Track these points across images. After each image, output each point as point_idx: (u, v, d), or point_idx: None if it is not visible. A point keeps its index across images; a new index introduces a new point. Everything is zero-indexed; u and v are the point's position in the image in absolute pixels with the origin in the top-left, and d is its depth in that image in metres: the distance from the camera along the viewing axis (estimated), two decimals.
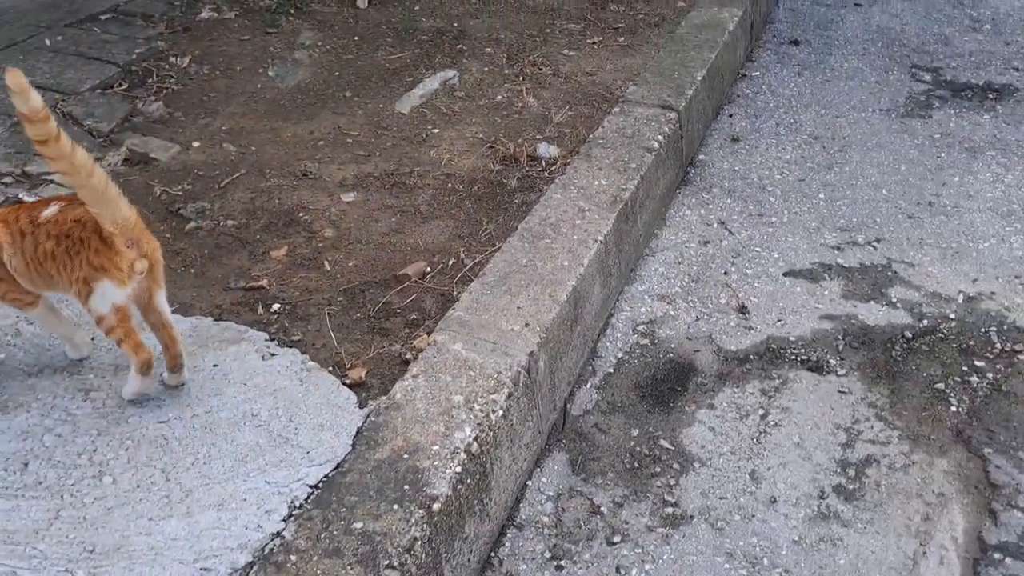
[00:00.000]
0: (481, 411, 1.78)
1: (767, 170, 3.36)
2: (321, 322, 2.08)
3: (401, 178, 2.73)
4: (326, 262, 2.32)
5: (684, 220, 3.04)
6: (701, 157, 3.47)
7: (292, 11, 3.94)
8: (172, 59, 3.39)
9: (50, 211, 1.69)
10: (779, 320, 2.57)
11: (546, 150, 2.89)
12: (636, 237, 2.77)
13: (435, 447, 1.68)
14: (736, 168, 3.38)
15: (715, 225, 3.02)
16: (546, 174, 2.76)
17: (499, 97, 3.30)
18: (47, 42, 3.34)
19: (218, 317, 2.05)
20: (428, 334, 2.03)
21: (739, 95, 4.02)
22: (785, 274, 2.77)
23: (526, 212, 2.54)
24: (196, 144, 2.86)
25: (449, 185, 2.71)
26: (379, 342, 2.03)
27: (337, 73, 3.44)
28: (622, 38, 3.88)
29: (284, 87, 3.31)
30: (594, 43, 3.82)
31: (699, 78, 3.48)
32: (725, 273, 2.77)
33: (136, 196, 2.55)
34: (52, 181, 2.55)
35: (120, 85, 3.14)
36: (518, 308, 2.11)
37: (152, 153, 2.75)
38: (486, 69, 3.53)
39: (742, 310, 2.60)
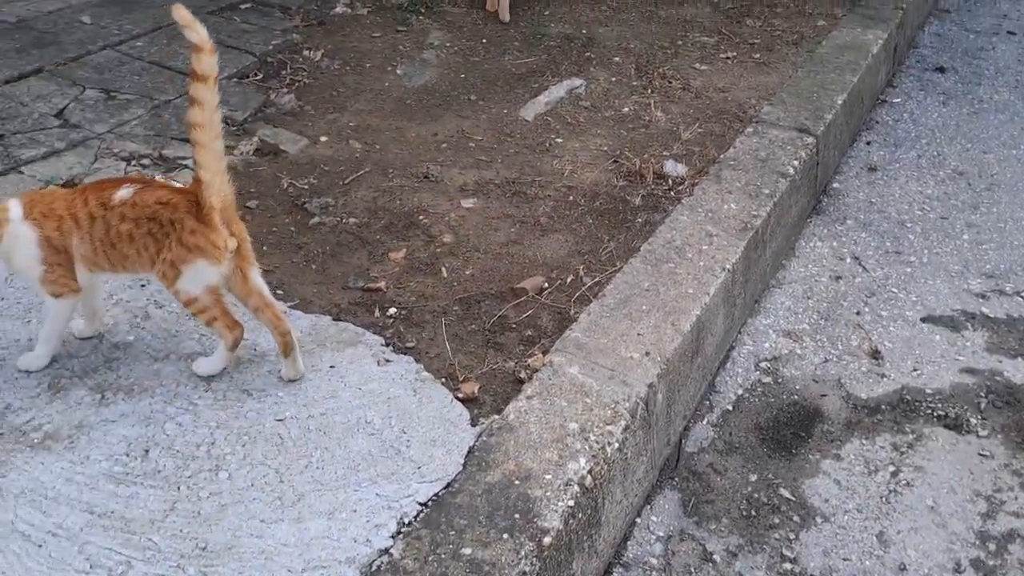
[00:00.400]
0: (596, 442, 1.70)
1: (906, 205, 3.15)
2: (436, 330, 2.04)
3: (522, 187, 2.68)
4: (443, 268, 2.29)
5: (814, 252, 2.87)
6: (835, 185, 3.28)
7: (423, 10, 3.96)
8: (306, 52, 3.45)
9: (123, 193, 1.69)
10: (915, 369, 2.38)
11: (673, 168, 2.79)
12: (763, 267, 2.63)
13: (547, 476, 1.61)
14: (873, 200, 3.18)
15: (848, 260, 2.84)
16: (672, 194, 2.65)
17: (626, 109, 3.21)
18: None
19: (336, 316, 2.04)
20: (544, 353, 1.97)
21: (878, 122, 3.80)
22: (923, 319, 2.57)
23: (650, 233, 2.44)
24: (324, 139, 2.89)
25: (570, 198, 2.64)
26: (493, 357, 1.98)
27: (463, 75, 3.43)
28: (758, 55, 3.72)
29: (411, 86, 3.31)
30: (728, 58, 3.67)
31: (839, 102, 3.30)
32: (857, 313, 2.59)
33: (264, 187, 2.59)
34: (187, 166, 2.61)
35: (255, 75, 3.21)
36: (638, 335, 2.02)
37: (282, 145, 2.79)
38: (613, 79, 3.44)
39: (875, 355, 2.43)
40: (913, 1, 4.55)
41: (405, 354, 1.95)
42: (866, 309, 2.61)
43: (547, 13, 4.05)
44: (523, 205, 2.59)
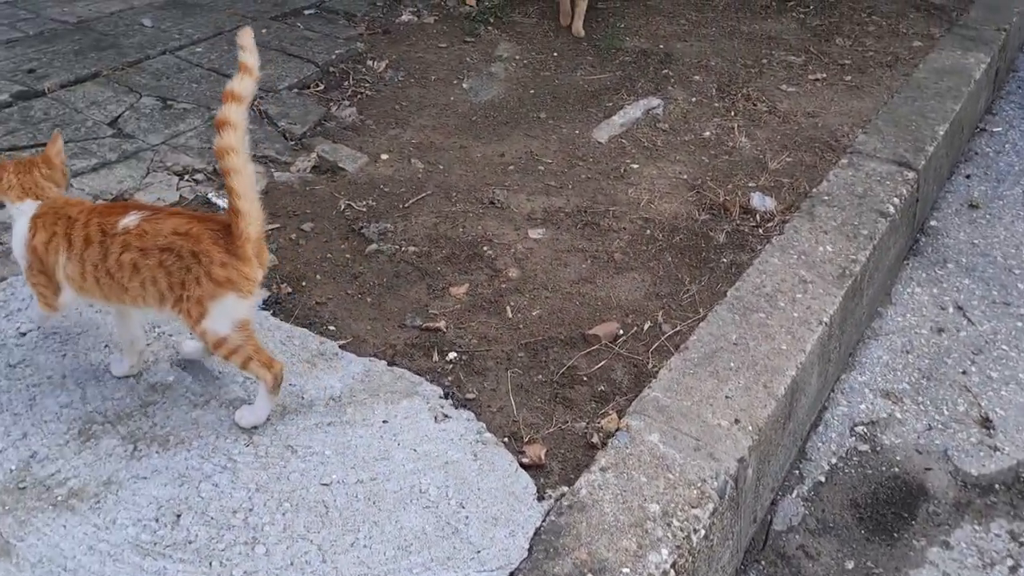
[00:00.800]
0: (681, 529, 1.49)
1: (1013, 248, 2.86)
2: (499, 380, 1.85)
3: (594, 217, 2.48)
4: (508, 308, 2.10)
5: (914, 299, 2.61)
6: (933, 223, 3.00)
7: (491, 20, 3.78)
8: (369, 62, 3.30)
9: (128, 220, 1.54)
10: None
11: (761, 202, 2.55)
12: (860, 316, 2.38)
13: (625, 569, 1.40)
14: (975, 241, 2.90)
15: (951, 309, 2.57)
16: (760, 231, 2.42)
17: (707, 133, 2.98)
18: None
19: (391, 361, 1.86)
20: (619, 414, 1.76)
21: (977, 152, 3.50)
22: None
23: (736, 275, 2.22)
24: (384, 157, 2.73)
25: (647, 232, 2.42)
26: (561, 414, 1.78)
27: (532, 91, 3.24)
28: (849, 76, 3.45)
29: (477, 102, 3.14)
30: (817, 80, 3.42)
31: (940, 133, 3.02)
32: (963, 372, 2.33)
33: (321, 208, 2.43)
34: None
35: (317, 86, 3.06)
36: (726, 397, 1.80)
37: (341, 163, 2.64)
38: (693, 99, 3.21)
39: (985, 423, 2.17)
40: (1016, 22, 4.22)
41: (465, 407, 1.76)
42: (973, 368, 2.35)
43: (622, 26, 3.84)
44: (595, 238, 2.39)
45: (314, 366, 1.76)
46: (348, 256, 2.24)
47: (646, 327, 2.06)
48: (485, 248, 2.31)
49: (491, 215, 2.46)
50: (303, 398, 1.68)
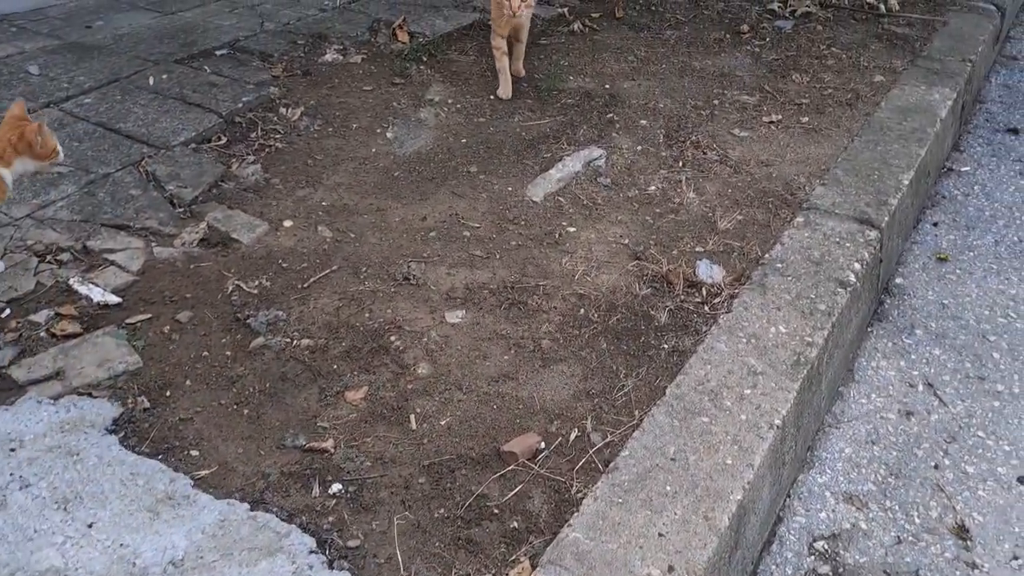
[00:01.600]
0: None
1: (987, 310, 2.62)
2: (390, 517, 1.55)
3: (523, 294, 2.19)
4: (412, 416, 1.80)
5: (879, 376, 2.35)
6: (899, 281, 2.76)
7: (425, 59, 3.50)
8: (283, 109, 3.00)
9: None
10: (1015, 557, 1.85)
11: (708, 272, 2.28)
12: (818, 404, 2.11)
13: None
14: (945, 302, 2.65)
15: (920, 387, 2.31)
16: (706, 308, 2.15)
17: (652, 188, 2.71)
18: (151, 80, 3.01)
19: (258, 500, 1.55)
20: (532, 562, 1.47)
21: (944, 196, 3.27)
22: (1021, 479, 2.04)
23: (678, 366, 1.94)
24: (288, 224, 2.42)
25: (581, 311, 2.14)
26: (464, 563, 1.49)
27: (464, 140, 2.95)
28: (806, 118, 3.21)
29: (401, 153, 2.84)
30: (772, 122, 3.17)
31: (905, 182, 2.78)
32: (936, 467, 2.07)
33: (204, 291, 2.12)
34: (114, 261, 2.16)
35: (218, 139, 2.75)
36: (660, 535, 1.52)
37: (235, 233, 2.33)
38: (639, 148, 2.95)
39: (961, 532, 1.90)
40: (981, 51, 4.02)
41: (345, 559, 1.46)
42: (946, 461, 2.08)
43: (566, 64, 3.58)
44: (522, 320, 2.10)
45: (157, 516, 1.45)
46: (228, 354, 1.93)
47: (572, 437, 1.77)
48: (393, 338, 2.02)
49: (404, 294, 2.17)
50: (135, 565, 1.37)
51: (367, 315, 2.08)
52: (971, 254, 2.91)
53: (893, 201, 2.66)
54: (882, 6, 4.36)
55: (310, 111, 3.03)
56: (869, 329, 2.53)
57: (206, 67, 3.22)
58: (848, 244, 2.42)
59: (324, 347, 1.97)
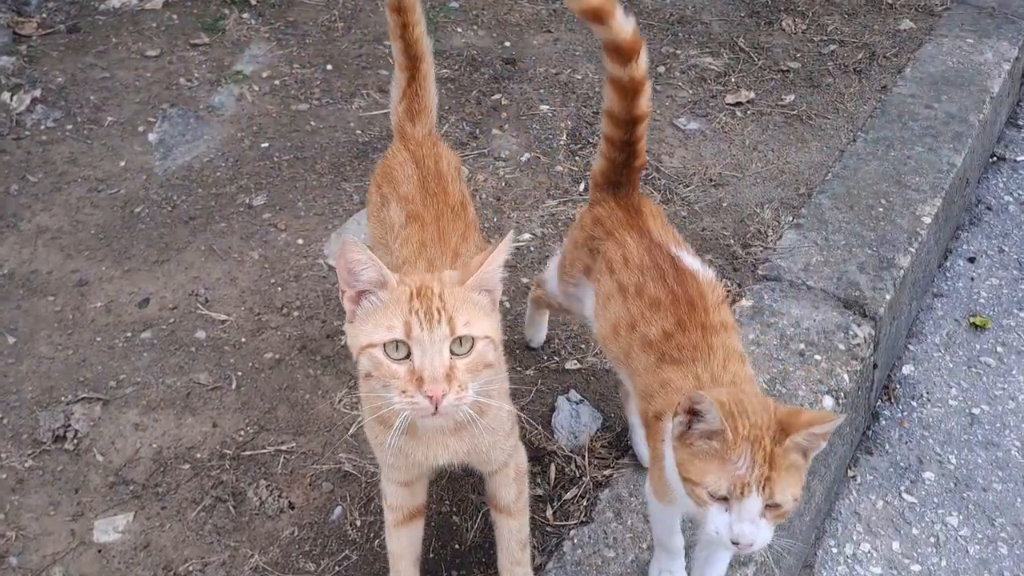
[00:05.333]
0: None
1: None
2: None
3: (246, 474, 1.30)
4: None
5: (859, 553, 1.45)
6: (907, 371, 1.81)
7: (255, 1, 2.47)
8: (6, 95, 2.03)
9: None
10: None
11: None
12: None
13: None
14: (976, 411, 1.71)
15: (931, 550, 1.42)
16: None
17: (525, 237, 1.75)
18: None
19: None
20: None
21: (989, 206, 2.26)
22: None
23: None
24: None
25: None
26: None
27: (266, 145, 1.98)
28: (791, 96, 2.18)
29: (163, 170, 1.89)
30: (738, 104, 2.15)
31: (926, 220, 1.80)
32: None
33: None
34: None
35: None
36: None
37: None
38: (526, 157, 1.96)
39: None
40: None
41: None
42: None
43: (456, 4, 2.52)
44: (231, 535, 1.21)
45: None
46: None
47: None
48: None
49: (39, 478, 1.28)
50: None
51: None
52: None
53: (903, 262, 1.69)
54: None
55: (51, 95, 2.06)
56: (851, 472, 1.61)
57: None
58: (818, 357, 1.48)
59: None
